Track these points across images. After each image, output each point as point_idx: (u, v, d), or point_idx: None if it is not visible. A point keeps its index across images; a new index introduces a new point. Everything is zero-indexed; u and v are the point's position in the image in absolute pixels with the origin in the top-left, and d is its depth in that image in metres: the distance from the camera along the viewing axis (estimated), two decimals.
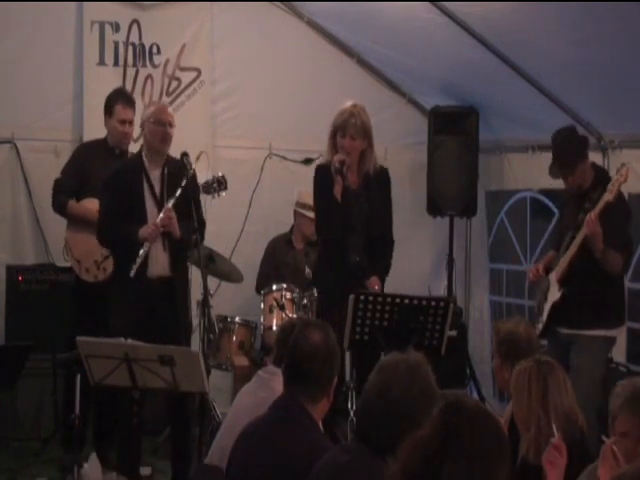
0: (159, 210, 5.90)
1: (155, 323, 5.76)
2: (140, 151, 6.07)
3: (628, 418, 3.61)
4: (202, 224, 6.16)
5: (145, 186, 5.94)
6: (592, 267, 5.66)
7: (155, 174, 5.97)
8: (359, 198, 6.04)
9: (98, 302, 6.37)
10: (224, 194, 6.62)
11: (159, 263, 5.89)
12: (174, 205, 5.82)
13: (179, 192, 5.83)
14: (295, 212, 7.46)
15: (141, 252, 5.74)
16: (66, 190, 6.59)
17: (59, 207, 6.64)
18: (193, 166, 5.92)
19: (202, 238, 6.18)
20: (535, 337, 4.59)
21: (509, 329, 4.56)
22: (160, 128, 5.94)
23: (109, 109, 6.63)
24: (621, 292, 5.93)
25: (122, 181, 5.96)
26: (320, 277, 6.24)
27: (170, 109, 6.30)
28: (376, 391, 3.08)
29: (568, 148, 5.78)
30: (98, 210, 6.14)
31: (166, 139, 5.95)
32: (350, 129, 5.91)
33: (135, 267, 5.71)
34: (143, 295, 5.80)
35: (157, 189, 5.96)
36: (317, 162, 6.65)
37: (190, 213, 5.88)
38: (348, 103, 6.05)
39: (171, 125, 5.98)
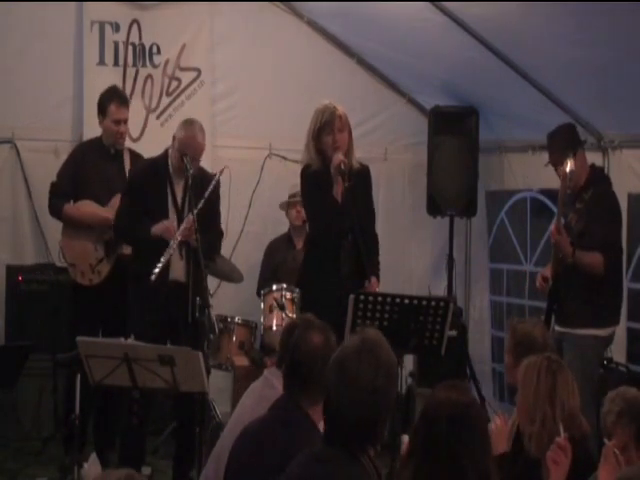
0: (179, 219, 5.92)
1: (172, 325, 5.85)
2: (166, 154, 6.03)
3: (624, 430, 3.61)
4: (220, 235, 6.22)
5: (169, 195, 5.97)
6: (575, 267, 5.69)
7: (179, 182, 5.98)
8: (352, 198, 5.95)
9: (97, 304, 6.40)
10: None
11: (176, 270, 5.95)
12: (197, 215, 5.76)
13: (202, 203, 5.82)
14: (288, 204, 7.46)
15: (162, 259, 5.76)
16: (62, 194, 6.59)
17: (55, 212, 6.65)
18: (189, 167, 5.87)
19: (219, 249, 6.27)
20: (551, 341, 4.56)
21: (526, 331, 4.50)
22: (182, 163, 5.89)
23: (103, 109, 6.61)
24: (615, 290, 5.87)
25: (147, 183, 5.97)
26: (309, 284, 6.11)
27: (201, 137, 6.02)
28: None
29: (556, 138, 5.90)
30: (118, 209, 6.15)
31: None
32: (337, 122, 5.89)
33: (156, 272, 5.71)
34: (162, 298, 5.85)
35: (179, 198, 5.98)
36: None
37: (209, 223, 5.91)
38: (322, 103, 6.00)
39: (195, 159, 5.90)
